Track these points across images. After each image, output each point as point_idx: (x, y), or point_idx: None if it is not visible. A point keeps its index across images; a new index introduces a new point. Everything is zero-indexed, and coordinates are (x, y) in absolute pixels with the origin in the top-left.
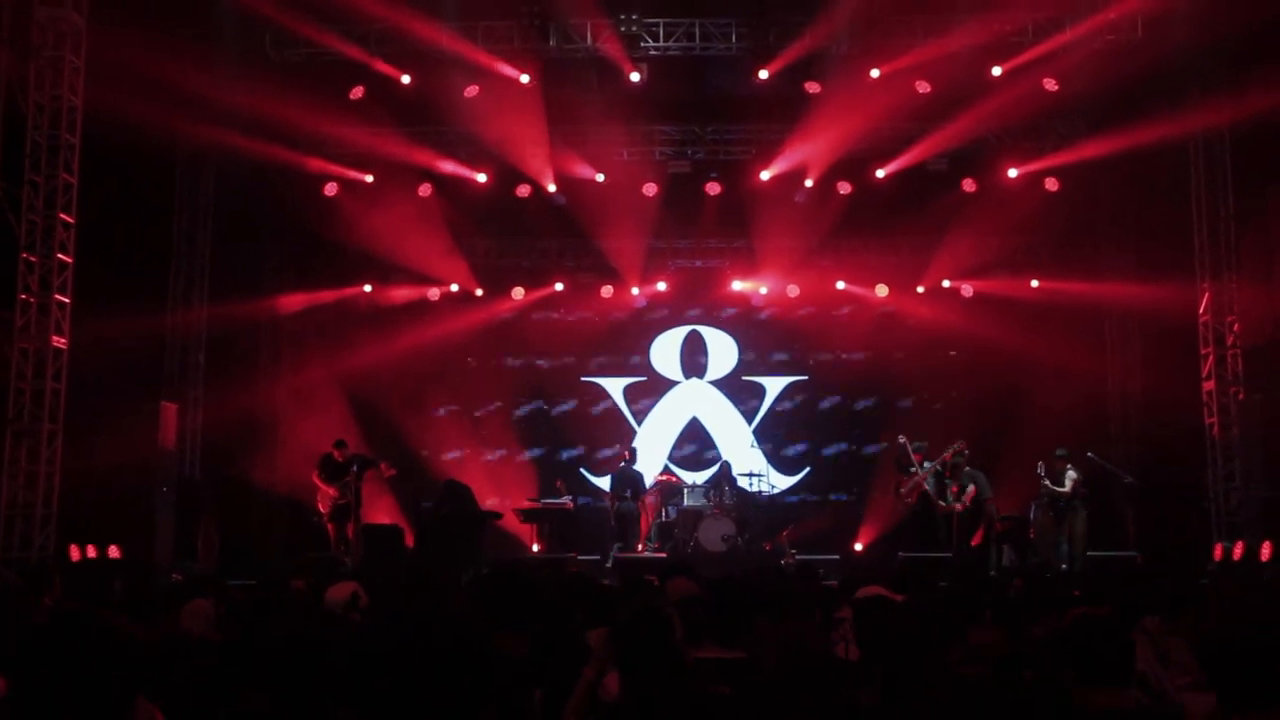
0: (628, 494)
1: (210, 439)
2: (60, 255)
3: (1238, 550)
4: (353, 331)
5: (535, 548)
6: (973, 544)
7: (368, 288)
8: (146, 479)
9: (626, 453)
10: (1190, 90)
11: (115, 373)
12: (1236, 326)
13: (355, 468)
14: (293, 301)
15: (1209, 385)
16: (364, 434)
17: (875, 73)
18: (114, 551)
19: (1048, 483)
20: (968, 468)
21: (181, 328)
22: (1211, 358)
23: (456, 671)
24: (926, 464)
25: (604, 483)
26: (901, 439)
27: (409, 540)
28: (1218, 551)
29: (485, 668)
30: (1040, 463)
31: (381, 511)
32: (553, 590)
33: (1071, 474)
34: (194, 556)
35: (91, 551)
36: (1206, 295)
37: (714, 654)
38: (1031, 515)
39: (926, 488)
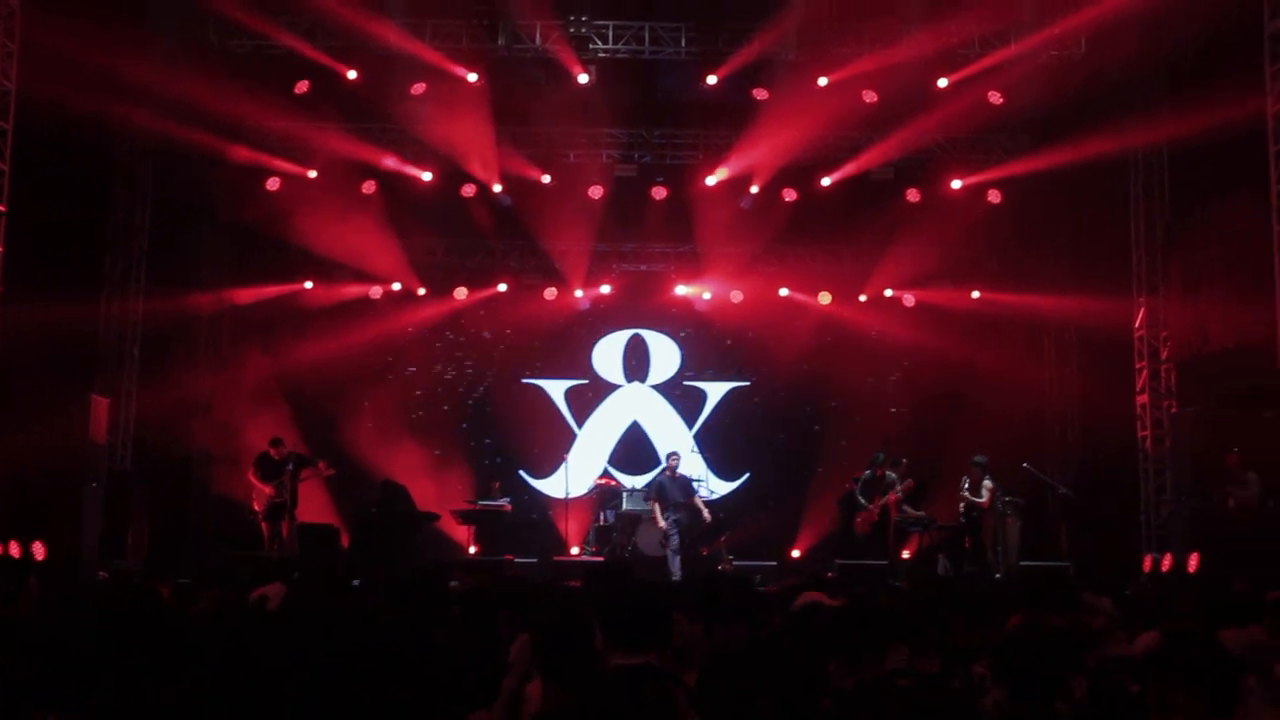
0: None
1: (144, 433)
2: None
3: (1166, 562)
4: (293, 328)
5: (472, 549)
6: (904, 555)
7: (309, 284)
8: (75, 473)
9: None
10: (1131, 106)
11: (45, 364)
12: (1170, 341)
13: (291, 466)
14: (232, 296)
15: (1142, 399)
16: (302, 432)
17: (823, 81)
18: (38, 548)
19: (968, 495)
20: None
21: (116, 319)
22: (1146, 371)
23: (372, 675)
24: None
25: (544, 486)
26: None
27: (344, 540)
28: (1147, 563)
29: (402, 670)
30: (965, 477)
31: (317, 511)
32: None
33: (988, 483)
34: (123, 554)
35: (15, 548)
36: (1142, 310)
37: (621, 660)
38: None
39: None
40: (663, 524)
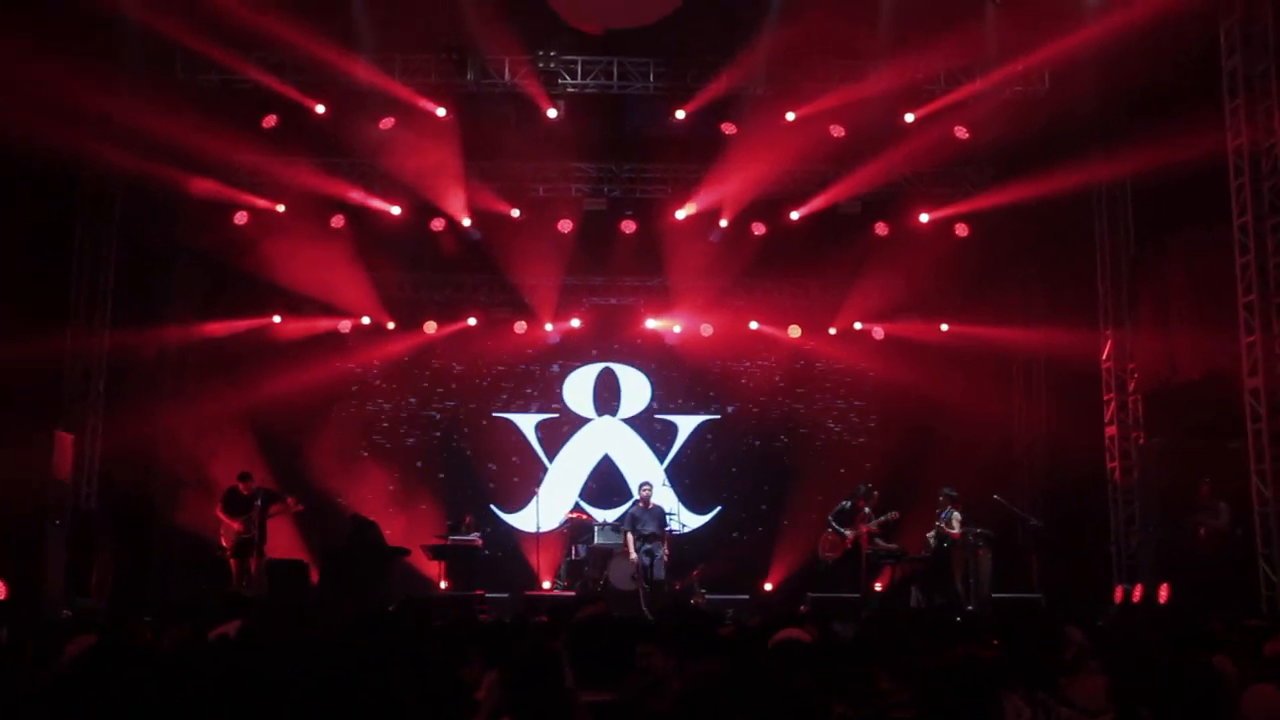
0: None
1: (109, 469)
2: None
3: (1137, 592)
4: (261, 362)
5: (443, 585)
6: (877, 588)
7: (277, 318)
8: (38, 510)
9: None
10: (1094, 141)
11: (8, 399)
12: (1137, 372)
13: (260, 501)
14: (199, 330)
15: (1111, 430)
16: (270, 467)
17: (790, 115)
18: None
19: (942, 525)
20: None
21: (81, 354)
22: (1114, 403)
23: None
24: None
25: (515, 520)
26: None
27: (313, 576)
28: (1118, 594)
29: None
30: (948, 508)
31: (286, 546)
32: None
33: (957, 515)
34: (87, 591)
35: None
36: (1109, 342)
37: (588, 697)
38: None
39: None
40: (633, 556)
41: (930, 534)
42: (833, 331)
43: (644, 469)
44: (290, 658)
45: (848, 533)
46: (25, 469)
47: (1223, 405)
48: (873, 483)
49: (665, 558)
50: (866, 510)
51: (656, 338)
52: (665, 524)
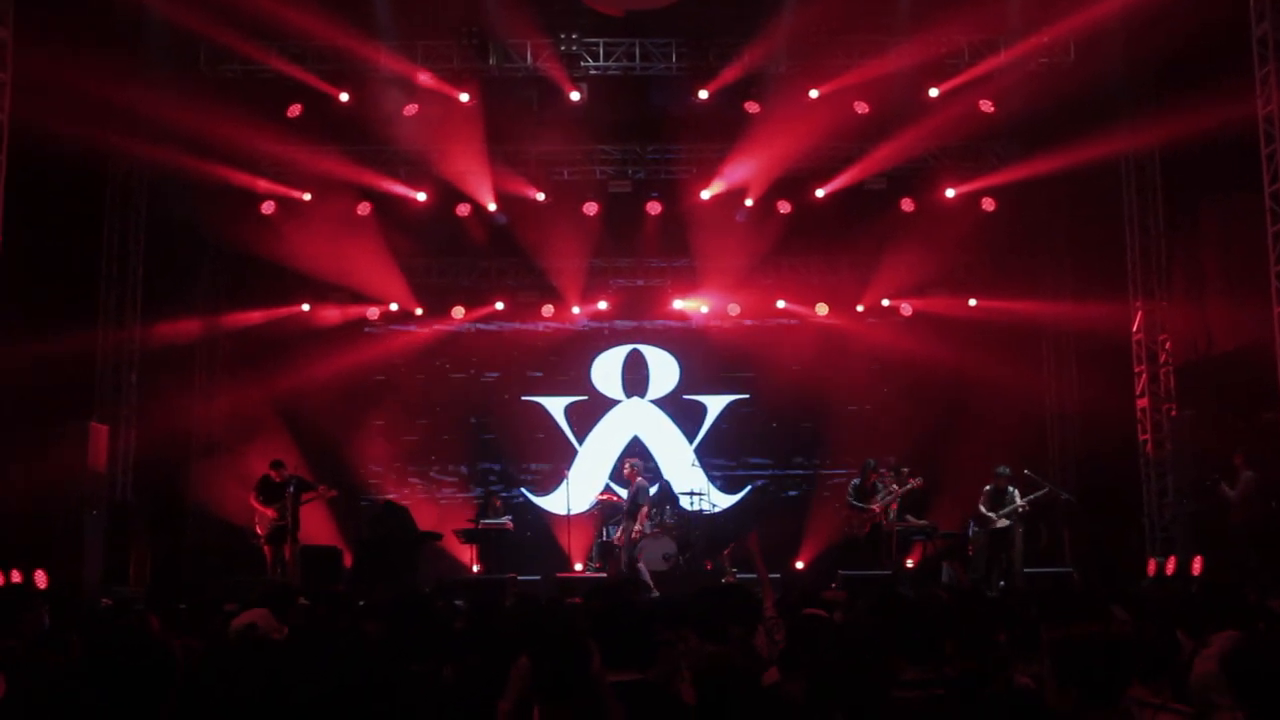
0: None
1: (143, 460)
2: None
3: (1170, 565)
4: (290, 350)
5: (475, 568)
6: (909, 564)
7: (305, 306)
8: (75, 502)
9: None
10: (1121, 111)
11: (44, 393)
12: (1168, 344)
13: (293, 488)
14: (229, 320)
15: (1142, 402)
16: (302, 454)
17: (814, 93)
18: (40, 576)
19: (1021, 504)
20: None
21: (113, 347)
22: (1145, 375)
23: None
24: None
25: (546, 503)
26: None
27: (347, 562)
28: (1151, 567)
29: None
30: (1010, 487)
31: (319, 533)
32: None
33: (1017, 491)
34: (125, 581)
35: (16, 577)
36: (1139, 313)
37: (614, 677)
38: (970, 532)
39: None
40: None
41: (999, 513)
42: (861, 309)
43: (673, 450)
44: (326, 650)
45: (872, 507)
46: (62, 461)
47: (1257, 377)
48: (901, 459)
49: (618, 536)
50: (879, 485)
51: (684, 318)
52: (638, 506)
